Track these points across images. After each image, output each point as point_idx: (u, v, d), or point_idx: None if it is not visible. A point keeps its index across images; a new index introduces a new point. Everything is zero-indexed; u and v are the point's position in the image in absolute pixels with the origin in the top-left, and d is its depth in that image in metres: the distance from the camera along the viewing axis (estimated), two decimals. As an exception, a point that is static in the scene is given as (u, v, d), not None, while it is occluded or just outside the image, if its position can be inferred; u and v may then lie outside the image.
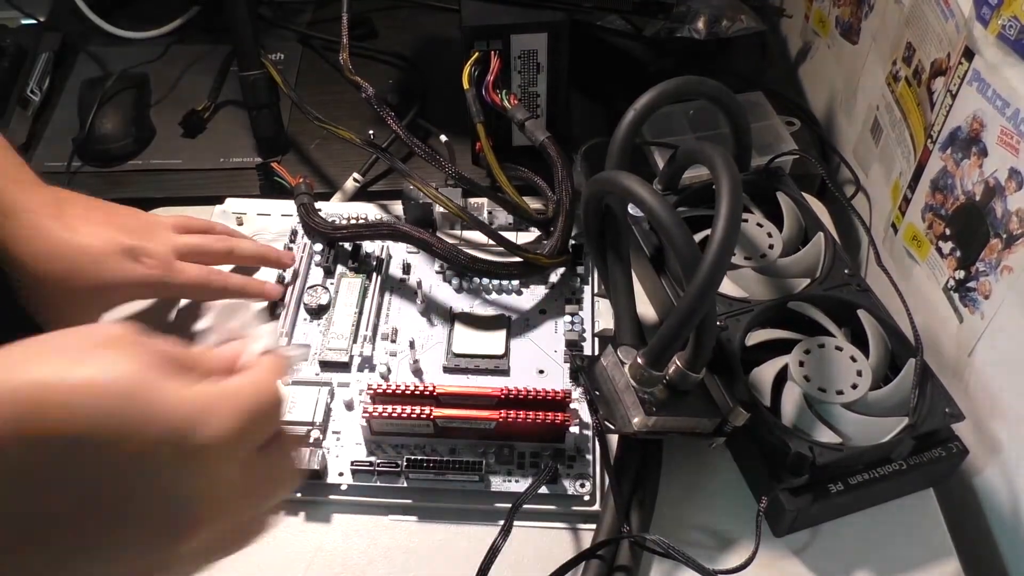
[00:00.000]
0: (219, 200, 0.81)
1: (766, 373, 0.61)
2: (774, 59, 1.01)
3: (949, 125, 0.68)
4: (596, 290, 0.72)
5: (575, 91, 0.96)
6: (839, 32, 0.91)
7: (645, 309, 0.73)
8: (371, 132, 0.77)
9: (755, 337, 0.63)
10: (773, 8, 1.04)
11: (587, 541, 0.60)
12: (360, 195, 0.85)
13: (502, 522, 0.59)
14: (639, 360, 0.57)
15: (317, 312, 0.71)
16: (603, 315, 0.70)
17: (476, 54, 0.77)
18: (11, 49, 0.99)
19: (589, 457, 0.62)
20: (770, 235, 0.69)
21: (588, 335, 0.70)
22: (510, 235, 0.74)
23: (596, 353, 0.69)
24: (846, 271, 0.66)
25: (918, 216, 0.73)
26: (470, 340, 0.69)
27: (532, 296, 0.72)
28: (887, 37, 0.79)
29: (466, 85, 0.77)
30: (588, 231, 0.69)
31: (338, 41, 0.78)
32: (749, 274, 0.67)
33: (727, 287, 0.65)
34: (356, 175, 0.84)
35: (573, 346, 0.69)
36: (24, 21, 1.05)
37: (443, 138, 0.79)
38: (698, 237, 0.67)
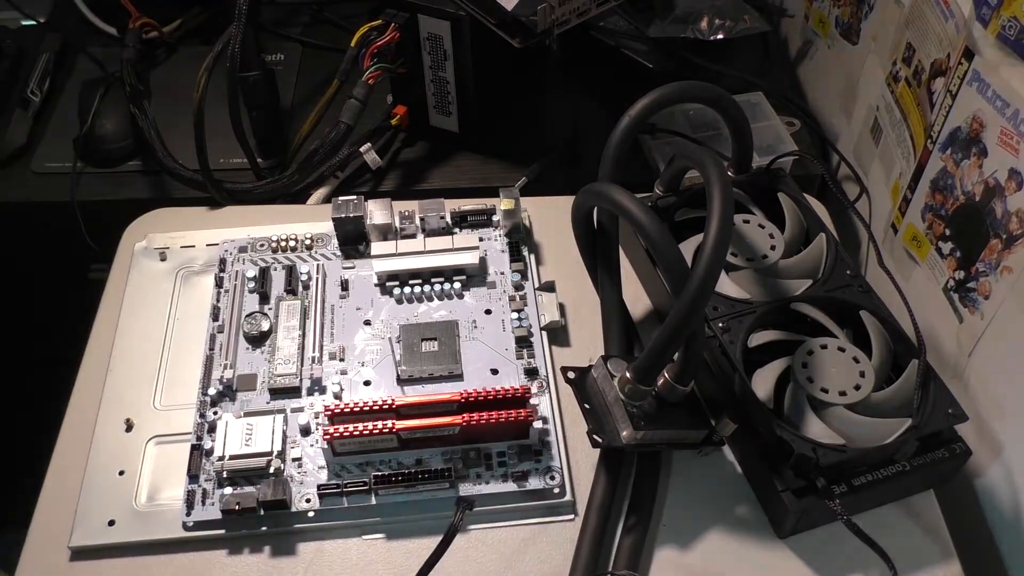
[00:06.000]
0: (217, 203, 0.82)
1: (769, 374, 0.61)
2: (776, 59, 1.01)
3: (949, 125, 0.68)
4: (536, 285, 0.73)
5: (575, 91, 0.97)
6: (839, 32, 0.91)
7: (643, 301, 0.74)
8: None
9: (757, 339, 0.63)
10: (775, 8, 1.04)
11: (566, 534, 0.60)
12: (343, 190, 0.86)
13: (472, 526, 0.60)
14: (628, 375, 0.57)
15: (259, 339, 0.69)
16: (547, 308, 0.71)
17: (379, 20, 0.80)
18: (11, 50, 0.99)
19: (555, 451, 0.63)
20: (772, 236, 0.69)
21: (536, 330, 0.70)
22: (444, 239, 0.74)
23: (553, 356, 0.69)
24: (848, 272, 0.66)
25: (918, 216, 0.73)
26: (420, 349, 0.68)
27: (475, 297, 0.72)
28: (887, 37, 0.80)
29: (352, 43, 0.80)
30: (579, 240, 0.69)
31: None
32: (751, 275, 0.67)
33: (729, 289, 0.65)
34: (337, 172, 0.86)
35: (523, 342, 0.69)
36: (24, 22, 1.05)
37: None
38: (698, 239, 0.67)
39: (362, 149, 0.85)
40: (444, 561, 0.58)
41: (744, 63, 0.98)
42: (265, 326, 0.69)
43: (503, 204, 0.75)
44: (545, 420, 0.64)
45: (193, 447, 0.63)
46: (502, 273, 0.73)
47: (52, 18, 1.06)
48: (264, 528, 0.60)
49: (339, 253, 0.75)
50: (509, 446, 0.63)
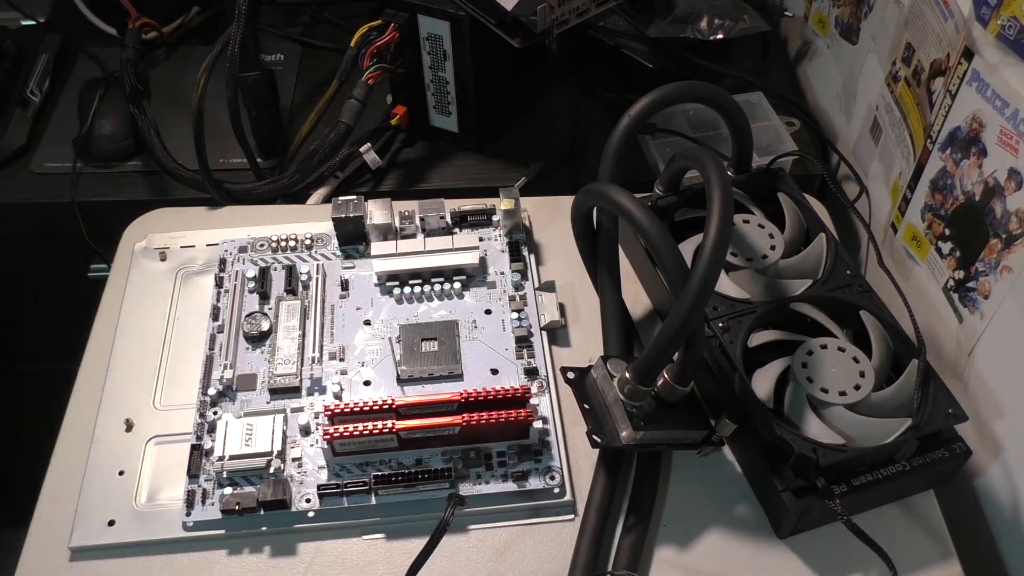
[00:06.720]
0: (217, 203, 0.82)
1: (769, 374, 0.61)
2: (775, 59, 1.01)
3: (948, 125, 0.68)
4: (536, 285, 0.73)
5: (575, 91, 0.97)
6: (838, 32, 0.91)
7: (643, 301, 0.74)
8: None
9: (757, 339, 0.63)
10: (775, 8, 1.04)
11: (566, 534, 0.60)
12: (343, 190, 0.86)
13: (472, 526, 0.60)
14: (627, 375, 0.57)
15: (259, 339, 0.68)
16: (547, 308, 0.71)
17: (379, 20, 0.80)
18: (11, 50, 0.99)
19: (555, 451, 0.63)
20: (772, 236, 0.69)
21: (536, 330, 0.70)
22: (444, 239, 0.74)
23: (553, 356, 0.69)
24: (848, 272, 0.66)
25: (918, 216, 0.73)
26: (420, 348, 0.68)
27: (475, 297, 0.72)
28: (886, 37, 0.80)
29: (352, 44, 0.80)
30: (579, 240, 0.69)
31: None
32: (751, 276, 0.67)
33: (729, 289, 0.65)
34: (337, 172, 0.86)
35: (523, 342, 0.69)
36: (24, 22, 1.05)
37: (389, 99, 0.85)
38: (698, 239, 0.67)
39: (362, 149, 0.85)
40: (444, 561, 0.58)
41: (744, 63, 0.98)
42: (265, 326, 0.69)
43: (503, 204, 0.75)
44: (545, 420, 0.64)
45: (193, 447, 0.63)
46: (502, 273, 0.73)
47: (52, 18, 1.06)
48: (264, 528, 0.60)
49: (339, 253, 0.75)
50: (509, 446, 0.62)
